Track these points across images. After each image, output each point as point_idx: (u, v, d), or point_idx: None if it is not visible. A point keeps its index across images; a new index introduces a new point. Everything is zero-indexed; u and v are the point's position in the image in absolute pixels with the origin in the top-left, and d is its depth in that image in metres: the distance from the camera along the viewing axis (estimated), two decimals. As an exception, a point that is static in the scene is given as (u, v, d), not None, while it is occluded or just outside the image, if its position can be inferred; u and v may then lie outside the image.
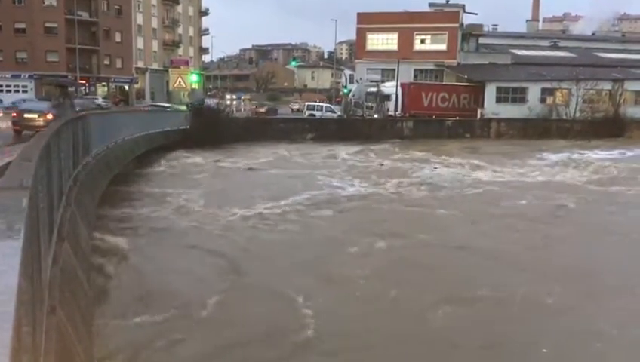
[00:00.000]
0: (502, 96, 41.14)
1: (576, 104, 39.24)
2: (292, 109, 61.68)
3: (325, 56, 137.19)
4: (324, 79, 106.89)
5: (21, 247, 2.30)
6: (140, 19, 66.25)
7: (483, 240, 12.20)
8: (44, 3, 54.38)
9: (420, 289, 9.05)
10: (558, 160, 26.03)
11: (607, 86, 40.54)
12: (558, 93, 40.70)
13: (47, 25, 54.37)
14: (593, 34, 79.31)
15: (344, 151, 28.27)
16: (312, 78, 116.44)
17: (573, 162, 25.13)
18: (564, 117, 39.22)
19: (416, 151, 28.81)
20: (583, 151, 28.68)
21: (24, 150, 6.14)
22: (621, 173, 21.85)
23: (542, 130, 37.77)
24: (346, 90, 55.19)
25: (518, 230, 13.09)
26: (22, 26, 54.28)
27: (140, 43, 66.36)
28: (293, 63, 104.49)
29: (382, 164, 24.37)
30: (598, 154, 27.50)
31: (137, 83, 65.10)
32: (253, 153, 27.09)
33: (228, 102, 48.90)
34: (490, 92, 40.97)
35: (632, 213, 15.34)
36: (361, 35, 49.13)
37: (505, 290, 8.96)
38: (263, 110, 53.46)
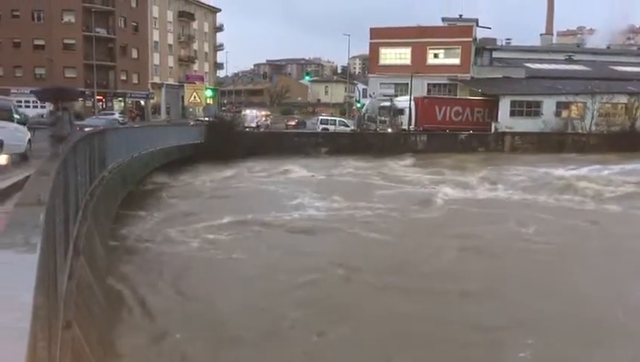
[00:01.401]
0: (516, 110, 40.93)
1: (592, 118, 38.91)
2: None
3: (339, 70, 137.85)
4: (337, 93, 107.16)
5: (37, 262, 2.32)
6: (156, 35, 67.24)
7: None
8: (62, 20, 55.49)
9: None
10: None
11: (623, 99, 40.15)
12: (574, 107, 40.41)
13: (66, 41, 55.43)
14: (608, 47, 78.78)
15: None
16: (326, 92, 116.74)
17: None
18: (580, 130, 38.90)
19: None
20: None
21: (42, 165, 6.23)
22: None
23: (557, 143, 37.45)
24: (359, 105, 55.37)
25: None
26: (41, 42, 55.40)
27: (156, 59, 67.30)
28: (307, 78, 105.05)
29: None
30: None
31: (153, 98, 65.89)
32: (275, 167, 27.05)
33: (258, 120, 50.04)
34: (504, 106, 40.80)
35: None
36: (375, 49, 49.32)
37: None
38: (293, 123, 54.40)
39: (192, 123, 35.45)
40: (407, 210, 16.87)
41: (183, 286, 9.76)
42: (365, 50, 58.39)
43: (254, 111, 53.33)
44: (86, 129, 15.23)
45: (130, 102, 62.59)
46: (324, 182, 23.29)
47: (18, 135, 13.45)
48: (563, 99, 40.68)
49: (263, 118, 54.21)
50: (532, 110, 41.04)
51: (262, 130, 45.55)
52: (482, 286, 9.87)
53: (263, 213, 15.50)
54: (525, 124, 39.47)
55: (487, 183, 22.46)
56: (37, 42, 55.48)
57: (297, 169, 26.58)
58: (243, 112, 48.33)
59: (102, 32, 57.01)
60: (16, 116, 14.01)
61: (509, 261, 11.79)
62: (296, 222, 14.82)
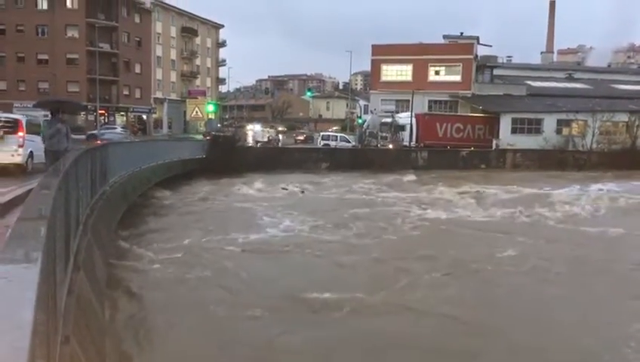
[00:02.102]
0: (517, 127, 41.02)
1: (593, 135, 38.99)
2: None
3: (340, 86, 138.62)
4: (338, 109, 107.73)
5: (38, 278, 2.30)
6: (159, 50, 67.79)
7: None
8: (66, 35, 56.00)
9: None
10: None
11: (624, 117, 40.28)
12: (574, 125, 40.51)
13: (69, 56, 55.90)
14: (609, 65, 79.33)
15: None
16: (327, 108, 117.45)
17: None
18: (581, 148, 38.97)
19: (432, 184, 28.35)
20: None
21: (44, 179, 6.22)
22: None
23: (558, 161, 37.48)
24: (360, 121, 55.60)
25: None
26: (44, 57, 55.90)
27: (158, 74, 67.77)
28: (309, 94, 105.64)
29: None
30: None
31: (155, 113, 66.25)
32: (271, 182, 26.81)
33: (269, 135, 50.57)
34: (505, 123, 40.92)
35: None
36: (376, 66, 49.65)
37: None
38: (302, 138, 54.93)
39: (207, 137, 35.65)
40: (382, 230, 16.02)
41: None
42: (367, 67, 58.91)
43: (258, 126, 53.90)
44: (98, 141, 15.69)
45: (132, 116, 62.92)
46: (308, 198, 22.98)
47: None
48: (564, 116, 40.80)
49: (274, 133, 54.89)
50: (533, 127, 41.13)
51: (273, 144, 46.19)
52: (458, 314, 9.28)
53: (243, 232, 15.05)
54: (526, 141, 39.55)
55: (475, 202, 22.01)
56: (41, 57, 55.99)
57: (292, 186, 26.28)
58: (249, 127, 49.04)
59: (105, 47, 57.46)
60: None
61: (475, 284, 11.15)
62: (259, 244, 13.88)
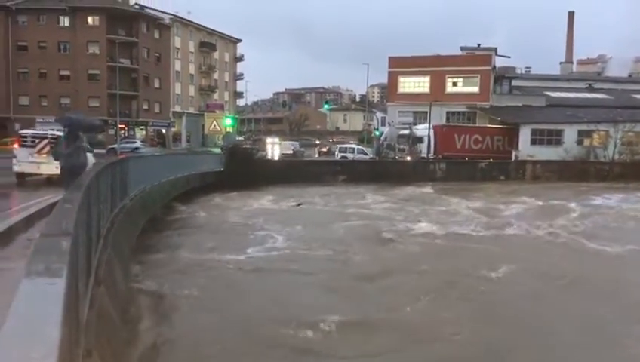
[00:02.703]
0: (537, 138, 40.62)
1: (615, 146, 38.44)
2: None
3: (357, 98, 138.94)
4: (356, 122, 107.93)
5: (64, 294, 2.32)
6: (178, 65, 68.71)
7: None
8: (87, 51, 57.12)
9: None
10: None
11: (646, 128, 39.70)
12: (596, 135, 39.99)
13: (90, 72, 56.97)
14: (630, 75, 78.38)
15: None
16: (344, 120, 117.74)
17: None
18: (602, 159, 38.42)
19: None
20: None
21: (67, 194, 6.30)
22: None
23: (579, 172, 36.96)
24: (377, 133, 55.60)
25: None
26: (66, 73, 57.10)
27: (177, 88, 68.65)
28: (326, 106, 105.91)
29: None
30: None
31: (174, 126, 67.01)
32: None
33: (294, 147, 51.51)
34: (524, 134, 40.56)
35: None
36: (393, 78, 49.72)
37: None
38: (325, 150, 55.76)
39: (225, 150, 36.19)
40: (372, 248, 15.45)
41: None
42: (384, 79, 59.14)
43: (274, 138, 54.65)
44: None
45: (151, 130, 63.71)
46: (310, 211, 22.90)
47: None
48: (585, 127, 40.26)
49: (299, 146, 55.67)
50: (553, 138, 40.69)
51: (298, 157, 47.20)
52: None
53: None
54: (547, 153, 39.12)
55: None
56: (62, 72, 57.22)
57: (317, 199, 26.41)
58: (269, 140, 49.80)
59: (125, 62, 58.41)
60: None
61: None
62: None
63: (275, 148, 42.80)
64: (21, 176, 19.23)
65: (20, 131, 22.09)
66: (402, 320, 9.42)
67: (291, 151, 49.19)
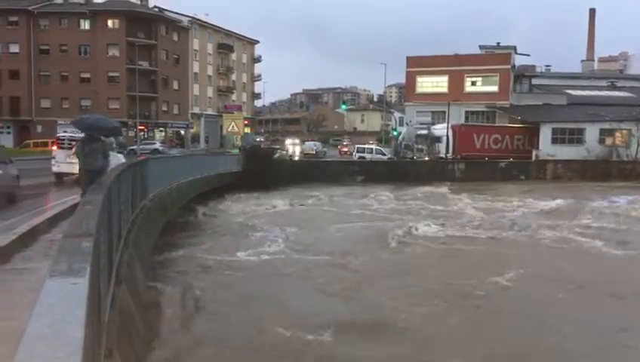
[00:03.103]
0: (558, 137, 40.01)
1: (638, 145, 37.74)
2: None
3: (375, 99, 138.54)
4: (373, 122, 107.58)
5: (87, 295, 2.33)
6: (196, 67, 69.17)
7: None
8: (107, 54, 57.81)
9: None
10: None
11: (670, 126, 38.89)
12: (618, 134, 39.28)
13: (110, 74, 57.65)
14: (653, 73, 76.85)
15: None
16: (362, 120, 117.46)
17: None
18: (625, 158, 37.75)
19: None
20: None
21: (89, 195, 6.37)
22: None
23: (601, 171, 36.39)
24: (395, 133, 55.42)
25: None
26: (87, 75, 57.87)
27: (196, 90, 69.11)
28: (344, 107, 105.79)
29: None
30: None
31: (193, 128, 67.48)
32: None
33: (316, 147, 52.58)
34: (545, 133, 40.00)
35: None
36: (411, 78, 49.39)
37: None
38: (346, 149, 56.24)
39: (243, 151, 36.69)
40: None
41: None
42: (401, 79, 58.72)
43: (294, 139, 55.33)
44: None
45: (170, 131, 64.23)
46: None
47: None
48: (607, 126, 39.57)
49: (321, 146, 56.34)
50: (574, 137, 40.05)
51: (320, 156, 48.21)
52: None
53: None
54: (568, 152, 38.56)
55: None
56: (83, 75, 57.98)
57: (335, 199, 26.42)
58: (288, 141, 50.56)
59: (144, 64, 58.96)
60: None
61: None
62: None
63: (295, 149, 43.17)
64: (59, 175, 20.69)
65: (58, 134, 23.24)
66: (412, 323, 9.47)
67: (314, 152, 49.97)
